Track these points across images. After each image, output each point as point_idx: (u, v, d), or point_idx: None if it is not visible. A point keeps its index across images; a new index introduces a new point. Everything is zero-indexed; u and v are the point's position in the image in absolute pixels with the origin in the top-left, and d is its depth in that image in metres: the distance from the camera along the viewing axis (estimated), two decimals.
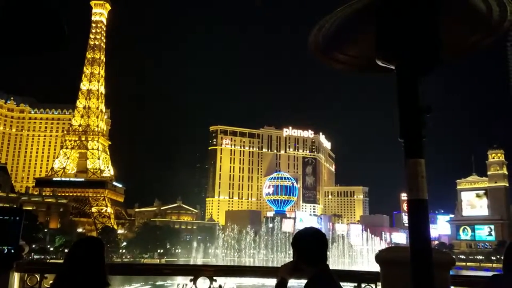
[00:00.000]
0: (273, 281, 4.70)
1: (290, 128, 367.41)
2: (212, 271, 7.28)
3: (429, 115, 3.42)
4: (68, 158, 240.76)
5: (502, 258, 5.06)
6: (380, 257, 6.32)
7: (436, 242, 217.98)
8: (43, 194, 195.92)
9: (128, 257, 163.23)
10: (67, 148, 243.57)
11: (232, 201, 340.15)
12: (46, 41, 4.27)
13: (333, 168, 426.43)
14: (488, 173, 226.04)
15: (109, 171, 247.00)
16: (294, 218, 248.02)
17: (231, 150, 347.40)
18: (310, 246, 4.32)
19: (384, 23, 3.56)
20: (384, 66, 3.71)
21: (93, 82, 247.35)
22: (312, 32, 3.86)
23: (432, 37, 3.46)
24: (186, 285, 7.40)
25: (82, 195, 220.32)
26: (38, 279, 7.15)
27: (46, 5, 3.91)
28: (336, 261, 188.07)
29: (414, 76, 3.47)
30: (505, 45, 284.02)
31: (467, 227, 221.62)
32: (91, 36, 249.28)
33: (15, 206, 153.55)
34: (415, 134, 3.39)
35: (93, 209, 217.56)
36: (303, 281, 4.29)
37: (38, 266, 7.91)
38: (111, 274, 4.88)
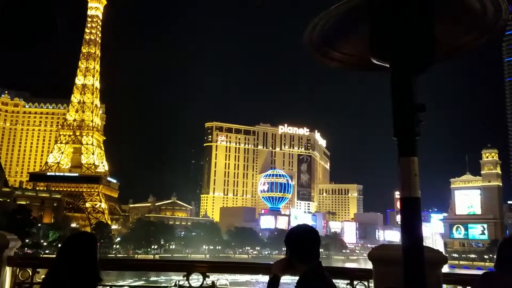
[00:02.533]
0: (266, 278, 4.72)
1: (286, 125, 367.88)
2: (205, 267, 7.28)
3: (423, 113, 3.42)
4: (62, 153, 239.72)
5: (495, 256, 5.09)
6: (372, 254, 6.35)
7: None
8: (37, 188, 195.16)
9: (122, 252, 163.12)
10: (61, 143, 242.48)
11: (227, 197, 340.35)
12: (36, 33, 4.26)
13: (328, 166, 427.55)
14: (482, 172, 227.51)
15: (103, 166, 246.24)
16: (289, 215, 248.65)
17: (226, 147, 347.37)
18: (303, 243, 4.34)
19: (379, 21, 3.55)
20: (379, 64, 3.69)
21: (88, 77, 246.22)
22: (307, 30, 3.85)
23: (427, 36, 3.45)
24: (179, 281, 7.35)
25: (76, 190, 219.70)
26: (30, 274, 7.12)
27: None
28: (329, 258, 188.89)
29: (408, 74, 3.47)
30: (500, 44, 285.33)
31: (460, 226, 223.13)
32: (87, 30, 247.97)
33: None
34: (409, 132, 3.39)
35: (87, 204, 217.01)
36: (296, 278, 4.31)
37: (30, 260, 7.88)
38: (104, 269, 4.87)
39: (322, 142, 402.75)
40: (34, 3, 3.99)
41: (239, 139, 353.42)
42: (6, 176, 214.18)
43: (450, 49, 3.94)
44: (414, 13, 3.44)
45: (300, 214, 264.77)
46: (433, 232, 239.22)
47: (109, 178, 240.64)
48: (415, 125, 3.39)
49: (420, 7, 3.44)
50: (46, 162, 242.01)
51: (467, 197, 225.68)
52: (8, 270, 7.07)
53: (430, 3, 3.45)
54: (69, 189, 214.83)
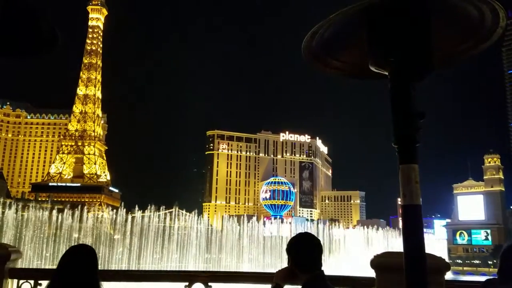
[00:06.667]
0: (269, 287, 4.70)
1: (287, 132, 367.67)
2: (207, 277, 7.26)
3: (423, 120, 3.43)
4: (64, 163, 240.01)
5: (498, 262, 5.06)
6: (374, 262, 6.33)
7: None
8: (39, 199, 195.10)
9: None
10: (63, 153, 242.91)
11: (229, 205, 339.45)
12: (36, 44, 4.29)
13: (329, 173, 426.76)
14: (484, 177, 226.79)
15: (105, 176, 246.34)
16: (291, 223, 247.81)
17: (228, 155, 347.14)
18: (304, 251, 4.33)
19: (377, 29, 3.56)
20: (378, 72, 3.71)
21: (90, 87, 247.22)
22: (306, 38, 3.85)
23: (425, 43, 3.48)
24: None
25: (78, 200, 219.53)
26: (32, 286, 7.10)
27: (35, 10, 3.97)
28: (332, 266, 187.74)
29: (407, 82, 3.48)
30: (500, 50, 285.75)
31: (463, 231, 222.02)
32: (88, 41, 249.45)
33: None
34: (409, 140, 3.40)
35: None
36: (299, 287, 4.30)
37: (32, 272, 7.86)
38: (104, 280, 4.86)
39: (324, 149, 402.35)
40: (31, 14, 4.02)
41: (241, 147, 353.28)
42: (8, 187, 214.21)
43: (448, 56, 3.96)
44: (412, 21, 3.45)
45: (302, 221, 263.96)
46: (437, 238, 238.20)
47: (111, 188, 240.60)
48: (415, 132, 3.39)
49: (419, 15, 3.45)
50: (48, 173, 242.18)
51: (470, 202, 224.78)
52: (10, 282, 7.06)
53: (429, 11, 3.46)
54: (71, 199, 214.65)
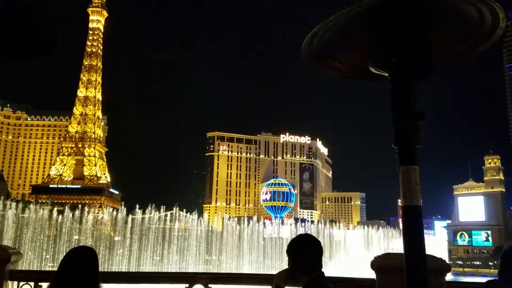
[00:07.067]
0: None
1: (287, 134, 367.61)
2: (207, 279, 7.25)
3: (423, 121, 3.43)
4: (64, 165, 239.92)
5: (499, 263, 5.06)
6: (375, 264, 6.32)
7: None
8: (39, 201, 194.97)
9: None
10: (63, 155, 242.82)
11: (229, 207, 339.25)
12: (36, 45, 4.29)
13: (330, 174, 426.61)
14: (485, 178, 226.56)
15: (105, 177, 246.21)
16: (291, 225, 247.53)
17: (228, 156, 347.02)
18: (304, 253, 4.32)
19: (377, 30, 3.58)
20: (378, 73, 3.73)
21: (90, 89, 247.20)
22: (306, 39, 3.87)
23: (425, 44, 3.50)
24: None
25: (79, 202, 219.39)
26: None
27: (35, 11, 3.97)
28: (332, 267, 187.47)
29: (407, 83, 3.50)
30: (500, 50, 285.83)
31: (464, 232, 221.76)
32: (88, 43, 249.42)
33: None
34: (409, 141, 3.41)
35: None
36: None
37: (33, 274, 7.84)
38: (104, 282, 4.85)
39: (324, 150, 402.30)
40: (31, 14, 4.02)
41: (241, 148, 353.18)
42: (9, 189, 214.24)
43: (449, 57, 3.97)
44: (412, 22, 3.46)
45: (302, 223, 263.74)
46: (437, 239, 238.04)
47: (111, 190, 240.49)
48: (415, 133, 3.41)
49: (419, 16, 3.47)
50: (49, 175, 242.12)
51: (471, 203, 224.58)
52: (10, 284, 7.05)
53: (429, 12, 3.48)
54: (71, 201, 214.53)
